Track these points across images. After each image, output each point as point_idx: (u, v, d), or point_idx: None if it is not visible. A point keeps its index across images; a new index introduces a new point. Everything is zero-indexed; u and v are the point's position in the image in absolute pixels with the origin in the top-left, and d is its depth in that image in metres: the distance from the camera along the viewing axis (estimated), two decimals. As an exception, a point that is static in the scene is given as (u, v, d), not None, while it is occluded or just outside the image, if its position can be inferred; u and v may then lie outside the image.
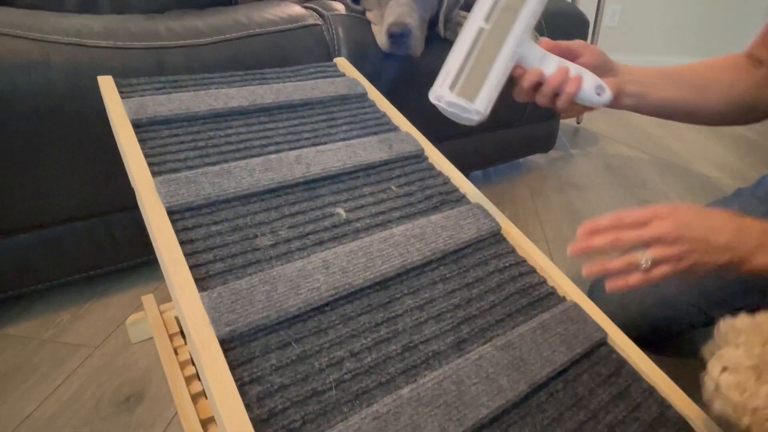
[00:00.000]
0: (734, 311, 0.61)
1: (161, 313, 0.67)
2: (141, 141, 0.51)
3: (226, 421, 0.31)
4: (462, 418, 0.35)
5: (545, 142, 1.30)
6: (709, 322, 0.61)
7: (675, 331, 0.66)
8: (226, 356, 0.35)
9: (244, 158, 0.52)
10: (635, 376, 0.43)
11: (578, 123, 1.73)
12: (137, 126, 0.52)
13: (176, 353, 0.61)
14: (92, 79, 0.60)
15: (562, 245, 0.96)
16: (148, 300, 0.68)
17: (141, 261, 0.78)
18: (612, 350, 0.44)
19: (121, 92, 0.56)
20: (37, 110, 0.59)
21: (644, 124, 1.76)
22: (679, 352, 0.68)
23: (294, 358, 0.36)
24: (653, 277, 0.43)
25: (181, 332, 0.65)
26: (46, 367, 0.63)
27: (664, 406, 0.41)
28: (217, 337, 0.35)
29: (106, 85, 0.57)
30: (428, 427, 0.34)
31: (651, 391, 0.42)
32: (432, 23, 0.89)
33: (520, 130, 1.20)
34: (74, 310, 0.74)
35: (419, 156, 0.60)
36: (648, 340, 0.61)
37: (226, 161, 0.51)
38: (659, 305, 0.63)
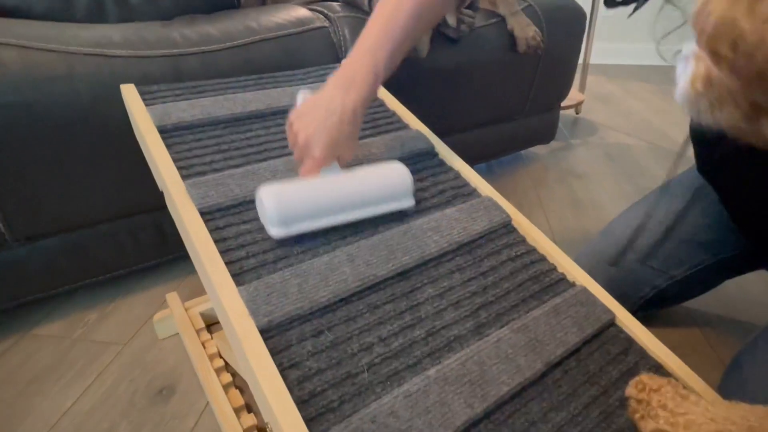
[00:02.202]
0: (690, 269, 0.67)
1: (186, 309, 0.70)
2: (167, 146, 0.53)
3: (272, 404, 0.34)
4: (485, 395, 0.38)
5: (546, 134, 1.32)
6: (671, 282, 0.68)
7: (643, 297, 0.70)
8: (266, 344, 0.37)
9: (265, 160, 0.55)
10: (642, 354, 0.46)
11: (577, 113, 1.76)
12: (163, 132, 0.55)
13: (204, 347, 0.64)
14: (113, 87, 0.63)
15: (566, 233, 0.99)
16: (173, 297, 0.71)
17: (162, 261, 0.81)
18: (620, 330, 0.47)
19: (143, 99, 0.59)
20: (62, 120, 0.62)
21: (643, 112, 1.78)
22: (676, 323, 0.73)
23: (328, 344, 0.39)
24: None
25: (207, 327, 0.68)
26: (80, 365, 0.66)
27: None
28: (257, 327, 0.38)
29: (129, 92, 0.59)
30: (455, 403, 0.37)
31: (657, 367, 0.45)
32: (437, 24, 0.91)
33: (521, 123, 1.22)
34: (101, 309, 0.77)
35: (430, 152, 0.62)
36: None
37: (249, 163, 0.54)
38: (621, 272, 0.68)
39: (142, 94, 0.60)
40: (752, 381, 0.52)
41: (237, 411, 0.55)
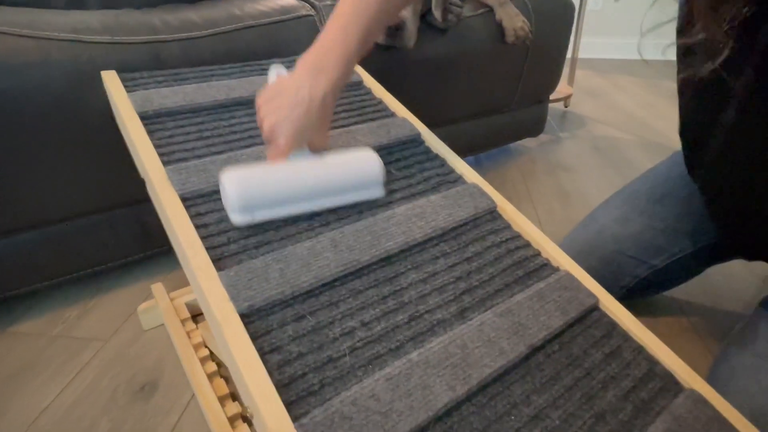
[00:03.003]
0: (670, 258, 0.68)
1: (171, 300, 0.69)
2: (149, 133, 0.52)
3: (252, 387, 0.34)
4: (467, 378, 0.37)
5: (535, 127, 1.33)
6: (652, 271, 0.69)
7: (624, 287, 0.71)
8: (246, 329, 0.37)
9: (249, 146, 0.54)
10: (625, 337, 0.46)
11: (566, 107, 1.76)
12: (144, 118, 0.54)
13: (189, 337, 0.63)
14: (91, 75, 0.62)
15: (554, 225, 0.99)
16: (158, 288, 0.70)
17: (144, 256, 0.80)
18: (603, 314, 0.47)
19: (124, 86, 0.58)
20: (38, 108, 0.60)
21: (629, 106, 1.80)
22: (663, 312, 0.74)
23: (309, 329, 0.39)
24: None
25: (192, 318, 0.67)
26: (59, 362, 0.65)
27: (653, 362, 0.44)
28: (237, 311, 0.38)
29: (111, 79, 0.58)
30: (437, 386, 0.36)
31: (640, 350, 0.45)
32: (423, 14, 0.91)
33: (510, 116, 1.23)
34: (81, 305, 0.75)
35: (416, 140, 0.62)
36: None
37: (232, 150, 0.53)
38: (602, 262, 0.69)
39: (123, 81, 0.59)
40: (740, 371, 0.53)
41: (221, 400, 0.55)
